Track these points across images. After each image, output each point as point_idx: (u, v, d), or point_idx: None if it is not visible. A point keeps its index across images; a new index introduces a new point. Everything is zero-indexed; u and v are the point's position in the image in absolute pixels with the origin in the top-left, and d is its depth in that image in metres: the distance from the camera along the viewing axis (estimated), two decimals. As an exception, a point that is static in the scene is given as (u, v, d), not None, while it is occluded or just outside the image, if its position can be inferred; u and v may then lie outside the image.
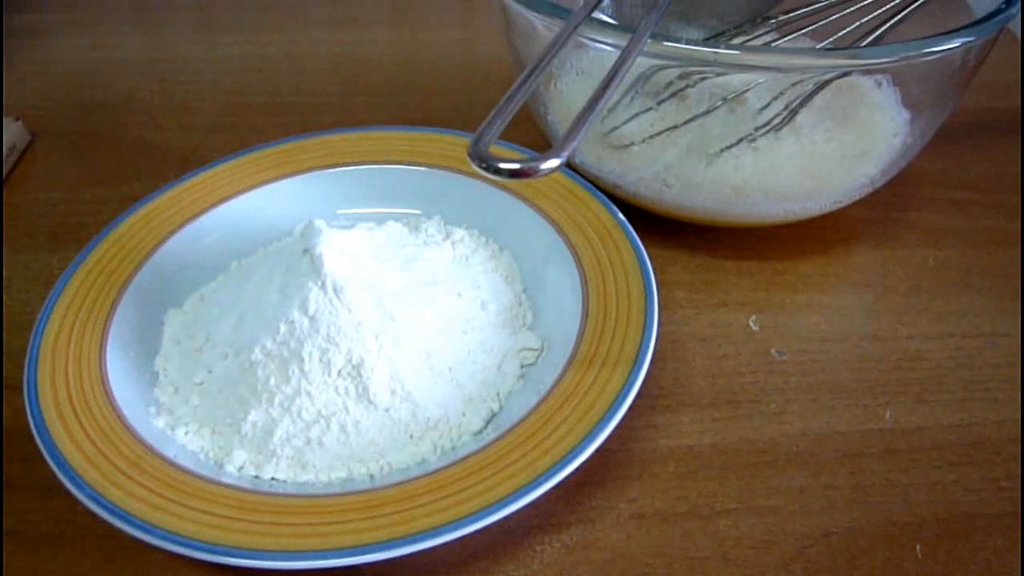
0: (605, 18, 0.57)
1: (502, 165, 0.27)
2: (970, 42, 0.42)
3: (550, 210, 0.48)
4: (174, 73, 0.70)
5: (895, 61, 0.41)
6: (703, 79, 0.54)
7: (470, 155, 0.27)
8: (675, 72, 0.55)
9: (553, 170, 0.27)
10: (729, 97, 0.51)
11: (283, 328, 0.40)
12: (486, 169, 0.27)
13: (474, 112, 0.63)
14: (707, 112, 0.49)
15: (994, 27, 0.43)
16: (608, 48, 0.41)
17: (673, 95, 0.51)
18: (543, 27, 0.45)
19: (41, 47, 0.74)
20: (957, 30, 0.42)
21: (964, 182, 0.57)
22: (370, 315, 0.40)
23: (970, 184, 0.57)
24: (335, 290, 0.40)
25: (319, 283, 0.40)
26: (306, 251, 0.41)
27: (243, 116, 0.64)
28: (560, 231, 0.47)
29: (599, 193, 0.49)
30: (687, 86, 0.50)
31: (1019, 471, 0.41)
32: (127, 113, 0.66)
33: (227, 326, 0.43)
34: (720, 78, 0.55)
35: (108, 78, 0.70)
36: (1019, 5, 0.47)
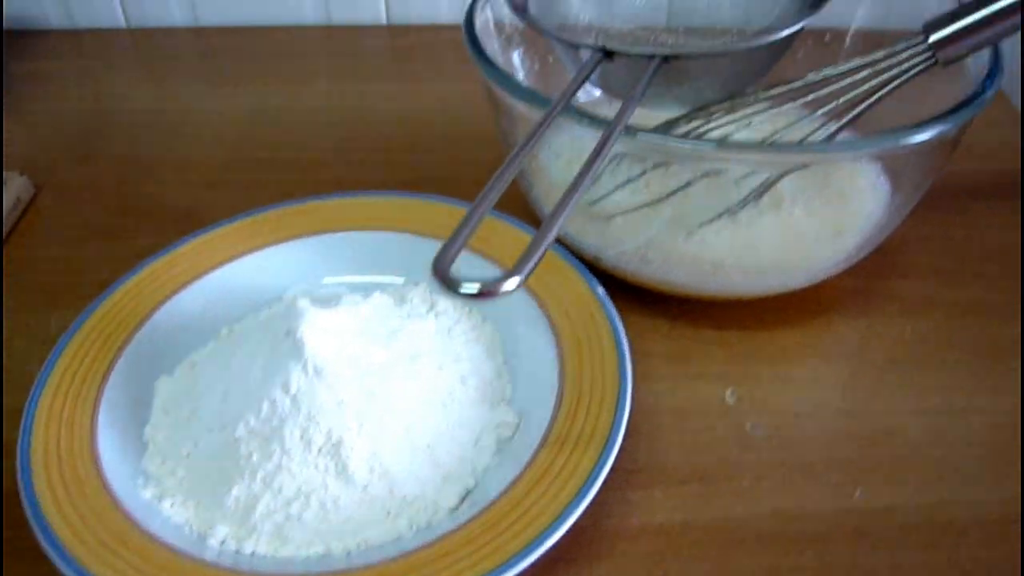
0: (589, 97, 0.58)
1: (463, 289, 0.28)
2: (945, 131, 0.43)
3: (532, 282, 0.49)
4: (177, 125, 0.72)
5: (861, 154, 0.42)
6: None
7: (433, 274, 0.28)
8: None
9: (514, 290, 0.29)
10: (711, 170, 0.52)
11: (266, 406, 0.41)
12: (448, 289, 0.28)
13: (469, 170, 0.64)
14: (689, 184, 0.50)
15: (970, 114, 0.44)
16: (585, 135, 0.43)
17: (656, 166, 0.52)
18: (523, 109, 0.46)
19: (49, 95, 0.76)
20: (930, 121, 0.43)
21: (946, 249, 0.58)
22: (351, 393, 0.42)
23: (953, 251, 0.58)
24: (316, 371, 0.41)
25: (301, 364, 0.41)
26: (288, 333, 0.42)
27: (242, 172, 0.66)
28: (541, 304, 0.48)
29: (581, 266, 0.50)
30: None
31: (985, 555, 0.42)
32: (130, 166, 0.67)
33: (214, 400, 0.44)
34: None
35: (112, 129, 0.72)
36: (997, 84, 0.48)
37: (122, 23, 0.86)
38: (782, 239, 0.51)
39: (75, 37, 0.85)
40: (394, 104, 0.73)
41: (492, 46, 0.54)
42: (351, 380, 0.42)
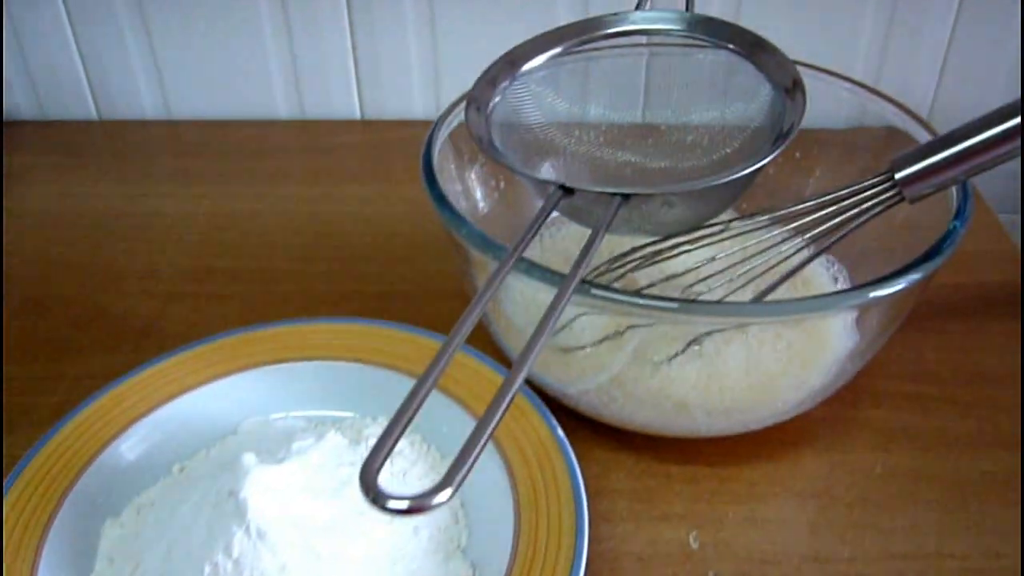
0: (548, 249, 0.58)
1: (391, 505, 0.27)
2: (904, 288, 0.42)
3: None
4: (143, 229, 0.71)
5: (828, 313, 0.41)
6: (651, 264, 0.55)
7: (359, 485, 0.27)
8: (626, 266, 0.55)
9: (444, 503, 0.27)
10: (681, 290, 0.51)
11: (207, 570, 0.40)
12: (374, 504, 0.27)
13: (437, 283, 0.63)
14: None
15: (934, 265, 0.43)
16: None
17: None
18: (479, 256, 0.45)
19: (17, 194, 0.75)
20: (891, 276, 0.42)
21: (920, 372, 0.57)
22: (296, 556, 0.40)
23: (926, 374, 0.57)
24: (259, 534, 0.40)
25: (243, 527, 0.40)
26: (232, 493, 0.40)
27: (205, 283, 0.65)
28: (498, 445, 0.47)
29: (541, 404, 0.49)
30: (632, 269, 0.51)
31: None
32: (90, 274, 0.66)
33: (157, 556, 0.42)
34: (664, 263, 0.55)
35: (77, 232, 0.71)
36: (967, 223, 0.47)
37: (93, 115, 0.86)
38: (748, 371, 0.49)
39: (45, 129, 0.85)
40: (365, 208, 0.72)
41: (449, 170, 0.54)
42: (296, 542, 0.40)
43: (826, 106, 0.59)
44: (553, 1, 0.78)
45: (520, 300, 0.47)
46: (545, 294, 0.40)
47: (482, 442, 0.28)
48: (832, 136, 0.61)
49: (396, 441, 0.28)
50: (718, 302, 0.43)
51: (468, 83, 0.50)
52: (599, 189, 0.45)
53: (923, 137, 0.54)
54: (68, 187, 0.77)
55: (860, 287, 0.41)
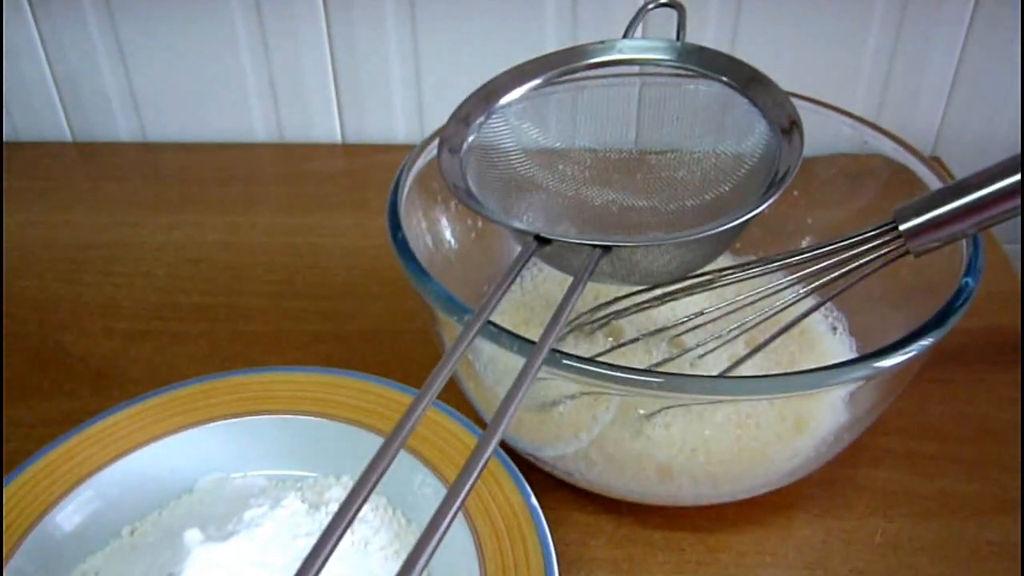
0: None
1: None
2: (914, 356, 0.39)
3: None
4: (110, 261, 0.68)
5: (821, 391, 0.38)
6: (638, 311, 0.52)
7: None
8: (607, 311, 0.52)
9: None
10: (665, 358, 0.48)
11: (144, 656, 0.37)
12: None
13: (408, 323, 0.60)
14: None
15: (942, 332, 0.40)
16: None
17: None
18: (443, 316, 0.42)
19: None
20: (896, 345, 0.38)
21: (922, 427, 0.54)
22: (239, 642, 0.37)
23: (929, 429, 0.54)
24: (199, 620, 0.37)
25: (181, 613, 0.37)
26: (170, 576, 0.37)
27: (170, 321, 0.62)
28: (466, 513, 0.44)
29: (513, 468, 0.45)
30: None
31: None
32: (53, 310, 0.63)
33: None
34: (652, 311, 0.52)
35: (42, 265, 0.68)
36: (977, 281, 0.44)
37: (68, 136, 0.83)
38: (738, 435, 0.46)
39: (17, 151, 0.82)
40: (341, 240, 0.69)
41: (420, 210, 0.51)
42: (240, 627, 0.37)
43: (825, 140, 0.56)
44: (540, 20, 0.74)
45: (490, 362, 0.44)
46: (515, 361, 0.37)
47: (429, 548, 0.25)
48: (832, 170, 0.57)
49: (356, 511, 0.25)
50: (702, 376, 0.40)
51: (452, 104, 0.47)
52: (576, 241, 0.42)
53: (927, 176, 0.51)
54: (36, 215, 0.74)
55: (863, 358, 0.38)
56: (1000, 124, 0.77)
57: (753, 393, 0.39)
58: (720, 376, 0.39)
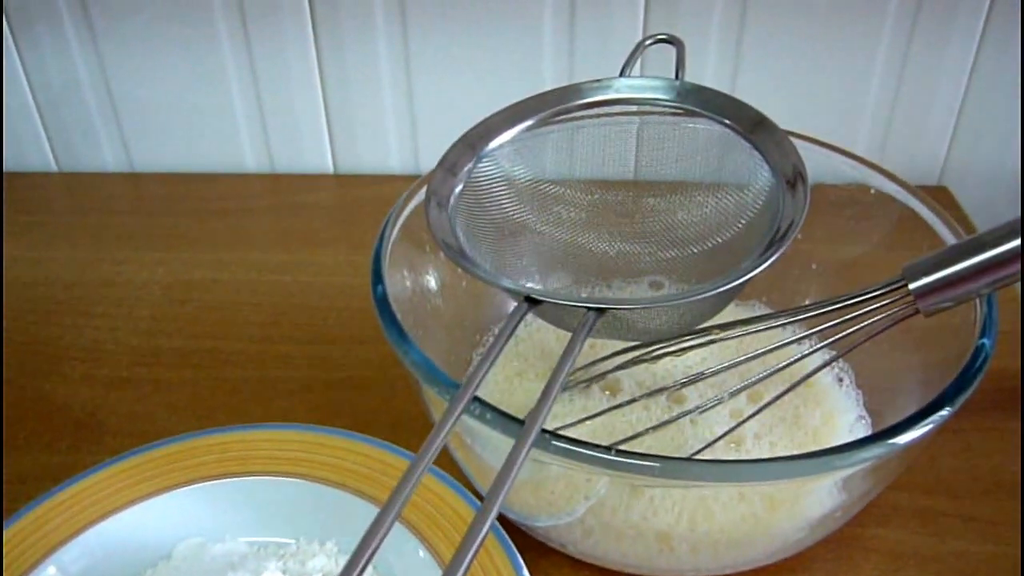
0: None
1: None
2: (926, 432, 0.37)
3: (445, 554, 0.43)
4: (93, 303, 0.65)
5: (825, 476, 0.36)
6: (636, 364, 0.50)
7: None
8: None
9: None
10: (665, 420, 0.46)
11: None
12: None
13: (399, 368, 0.58)
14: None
15: (957, 404, 0.38)
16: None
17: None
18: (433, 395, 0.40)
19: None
20: (904, 424, 0.36)
21: (933, 481, 0.52)
22: None
23: (940, 484, 0.51)
24: None
25: None
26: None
27: (152, 366, 0.60)
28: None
29: (505, 538, 0.43)
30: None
31: None
32: (33, 353, 0.61)
33: None
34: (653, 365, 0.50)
35: (23, 306, 0.65)
36: (991, 346, 0.42)
37: (52, 167, 0.81)
38: (740, 496, 0.44)
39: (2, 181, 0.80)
40: (332, 278, 0.67)
41: (409, 257, 0.49)
42: None
43: (828, 178, 0.54)
44: (537, 52, 0.72)
45: (478, 435, 0.42)
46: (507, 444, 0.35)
47: None
48: (836, 209, 0.55)
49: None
50: (701, 461, 0.37)
51: (447, 132, 0.45)
52: (569, 303, 0.40)
53: (931, 217, 0.49)
54: (18, 250, 0.71)
55: (876, 436, 0.36)
56: (1008, 152, 0.75)
57: (756, 479, 0.37)
58: (721, 461, 0.37)
